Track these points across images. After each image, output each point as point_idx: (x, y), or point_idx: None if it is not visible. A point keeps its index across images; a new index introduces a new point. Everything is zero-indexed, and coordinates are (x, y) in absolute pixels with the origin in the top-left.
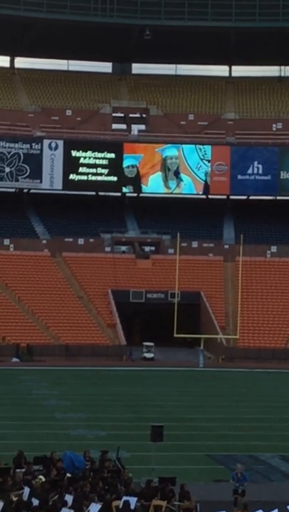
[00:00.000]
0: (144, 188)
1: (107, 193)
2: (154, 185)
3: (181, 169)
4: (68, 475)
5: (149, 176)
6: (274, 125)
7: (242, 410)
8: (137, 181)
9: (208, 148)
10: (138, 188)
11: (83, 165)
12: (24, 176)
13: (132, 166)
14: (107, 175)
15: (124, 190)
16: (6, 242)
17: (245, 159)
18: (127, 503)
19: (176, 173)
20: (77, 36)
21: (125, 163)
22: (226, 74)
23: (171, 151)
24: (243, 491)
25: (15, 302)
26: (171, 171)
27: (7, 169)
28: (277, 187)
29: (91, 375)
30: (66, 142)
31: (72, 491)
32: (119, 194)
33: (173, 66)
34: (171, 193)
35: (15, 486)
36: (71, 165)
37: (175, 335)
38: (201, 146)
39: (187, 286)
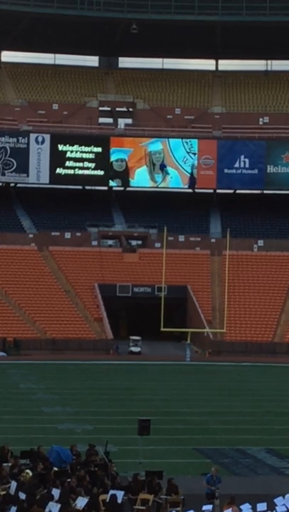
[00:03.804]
0: (131, 181)
1: (93, 187)
2: (140, 179)
3: (168, 162)
4: (55, 469)
5: (136, 170)
6: (261, 119)
7: (229, 404)
8: (125, 175)
9: (194, 142)
10: (126, 182)
11: (70, 159)
12: (11, 170)
13: (121, 160)
14: (94, 169)
15: (113, 184)
16: None
17: (232, 153)
18: (113, 497)
19: (162, 167)
20: (64, 30)
21: (114, 157)
22: (213, 68)
23: (155, 146)
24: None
25: (1, 296)
26: (156, 166)
27: None
28: (264, 181)
29: (78, 369)
30: (53, 136)
31: (59, 485)
32: (105, 188)
33: (160, 60)
34: (157, 187)
35: (1, 480)
36: (58, 159)
37: (162, 329)
38: (187, 140)
39: (174, 280)
